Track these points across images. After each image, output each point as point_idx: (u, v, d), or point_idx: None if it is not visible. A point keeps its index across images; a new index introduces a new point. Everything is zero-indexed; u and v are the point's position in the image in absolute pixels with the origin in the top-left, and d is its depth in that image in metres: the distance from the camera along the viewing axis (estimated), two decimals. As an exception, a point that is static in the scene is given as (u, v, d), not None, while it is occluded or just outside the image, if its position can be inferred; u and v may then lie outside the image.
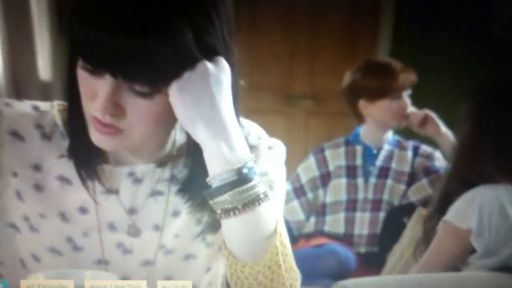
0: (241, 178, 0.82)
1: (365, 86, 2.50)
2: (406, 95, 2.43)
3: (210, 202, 0.84)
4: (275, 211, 0.98)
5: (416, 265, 1.79)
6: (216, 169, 0.82)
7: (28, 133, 0.96)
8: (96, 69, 0.82)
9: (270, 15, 4.38)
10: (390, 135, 2.56)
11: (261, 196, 0.84)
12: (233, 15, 0.93)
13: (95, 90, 0.83)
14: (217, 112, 0.82)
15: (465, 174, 1.74)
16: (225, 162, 0.82)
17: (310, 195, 2.53)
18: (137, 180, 0.98)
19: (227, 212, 0.82)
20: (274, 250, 0.85)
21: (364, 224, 2.49)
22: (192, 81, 0.81)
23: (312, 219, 2.53)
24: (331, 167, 2.55)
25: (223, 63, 0.85)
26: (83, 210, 0.96)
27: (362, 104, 2.52)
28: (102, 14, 0.78)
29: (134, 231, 0.98)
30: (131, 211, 0.98)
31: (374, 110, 2.50)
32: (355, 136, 2.59)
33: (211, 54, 0.86)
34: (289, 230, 2.52)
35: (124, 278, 0.81)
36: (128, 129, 0.86)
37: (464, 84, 2.80)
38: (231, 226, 0.85)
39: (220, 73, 0.84)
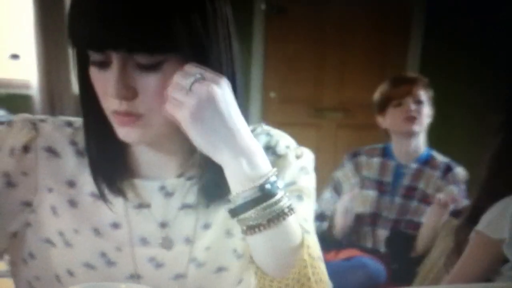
0: (264, 194, 0.81)
1: (375, 101, 2.60)
2: (410, 101, 2.45)
3: (235, 219, 0.83)
4: (306, 221, 0.99)
5: (448, 276, 1.78)
6: (239, 187, 0.82)
7: (63, 149, 0.97)
8: (102, 51, 0.83)
9: (301, 29, 4.40)
10: (421, 149, 2.55)
11: (286, 210, 0.82)
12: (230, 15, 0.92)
13: (107, 81, 0.84)
14: (232, 132, 0.82)
15: (497, 185, 1.74)
16: (247, 180, 0.81)
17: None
18: (168, 194, 0.98)
19: (252, 228, 0.82)
20: (303, 263, 0.84)
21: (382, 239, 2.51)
22: (202, 107, 0.80)
23: (325, 224, 2.54)
24: (364, 175, 2.55)
25: (225, 81, 0.84)
26: (115, 225, 0.97)
27: (379, 120, 2.56)
28: None
29: (168, 244, 0.98)
30: (163, 225, 0.98)
31: (387, 122, 2.53)
32: (391, 146, 2.60)
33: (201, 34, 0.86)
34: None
35: None
36: (147, 113, 0.86)
37: (492, 97, 2.80)
38: (257, 241, 0.84)
39: (225, 93, 0.82)
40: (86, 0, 0.82)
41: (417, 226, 2.42)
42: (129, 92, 0.84)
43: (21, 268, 1.02)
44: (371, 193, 2.54)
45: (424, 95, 2.48)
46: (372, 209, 2.50)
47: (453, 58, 4.09)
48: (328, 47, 4.47)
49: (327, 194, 2.59)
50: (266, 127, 1.08)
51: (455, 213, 2.31)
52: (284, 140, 1.06)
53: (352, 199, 2.44)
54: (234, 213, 0.83)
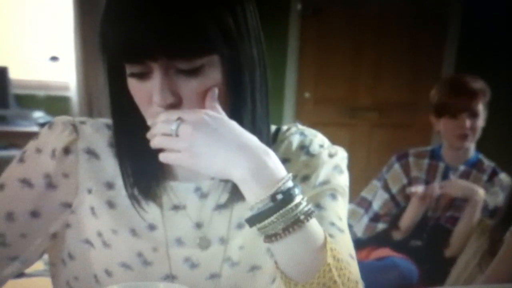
0: (276, 204, 0.79)
1: (432, 101, 2.53)
2: (466, 117, 2.40)
3: (254, 228, 0.83)
4: (340, 219, 0.99)
5: (482, 276, 1.77)
6: (252, 199, 0.81)
7: (102, 151, 0.98)
8: (141, 63, 0.83)
9: (336, 29, 4.39)
10: (471, 154, 2.54)
11: (302, 217, 0.80)
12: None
13: (149, 90, 0.85)
14: (233, 153, 0.81)
15: None
16: (258, 191, 0.80)
17: (403, 204, 2.55)
18: (203, 195, 0.99)
19: (269, 237, 0.81)
20: (327, 267, 0.82)
21: None
22: (196, 145, 0.81)
23: (381, 225, 2.54)
24: (413, 175, 2.55)
25: (204, 113, 0.83)
26: (152, 227, 0.98)
27: (432, 119, 2.53)
28: (127, 5, 0.82)
29: (205, 244, 0.98)
30: (198, 226, 0.99)
31: (440, 127, 2.50)
32: (439, 149, 2.59)
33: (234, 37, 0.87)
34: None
35: None
36: None
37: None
38: (277, 249, 0.83)
39: (211, 123, 0.82)
40: (118, 12, 0.83)
41: (456, 221, 2.41)
42: (173, 98, 0.85)
43: (60, 268, 1.04)
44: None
45: (481, 106, 2.42)
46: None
47: (489, 59, 4.04)
48: (362, 47, 4.46)
49: (384, 195, 2.58)
50: (301, 127, 1.08)
51: (490, 213, 2.30)
52: (318, 139, 1.06)
53: (424, 202, 2.44)
54: (251, 222, 0.82)
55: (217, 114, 0.85)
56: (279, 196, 0.80)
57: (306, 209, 0.81)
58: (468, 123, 2.39)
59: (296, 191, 0.82)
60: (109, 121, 1.01)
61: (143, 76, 0.85)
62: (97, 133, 0.99)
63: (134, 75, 0.86)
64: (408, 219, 2.45)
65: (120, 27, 0.82)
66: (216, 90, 0.87)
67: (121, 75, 0.89)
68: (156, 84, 0.84)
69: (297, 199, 0.81)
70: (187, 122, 0.82)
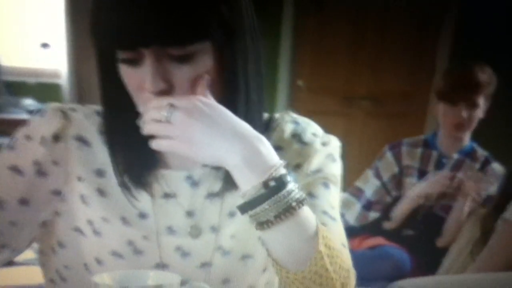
0: (268, 191, 0.79)
1: (437, 84, 2.54)
2: (464, 107, 2.39)
3: (245, 215, 0.83)
4: (332, 208, 0.99)
5: (474, 264, 1.78)
6: (244, 186, 0.81)
7: (93, 138, 0.97)
8: (133, 48, 0.83)
9: (332, 17, 4.37)
10: (465, 143, 2.54)
11: (293, 204, 0.80)
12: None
13: (141, 76, 0.84)
14: (226, 140, 0.81)
15: None
16: (250, 178, 0.80)
17: (394, 193, 2.55)
18: (195, 184, 0.98)
19: (261, 224, 0.81)
20: (318, 255, 0.82)
21: None
22: (189, 132, 0.81)
23: (374, 214, 2.55)
24: (405, 164, 2.55)
25: (195, 99, 0.84)
26: (143, 215, 0.97)
27: (435, 103, 2.54)
28: None
29: (196, 232, 0.98)
30: (189, 214, 0.98)
31: (437, 111, 2.50)
32: (433, 137, 2.59)
33: (230, 23, 0.87)
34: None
35: (183, 280, 0.81)
36: None
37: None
38: (268, 237, 0.83)
39: (203, 109, 0.82)
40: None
41: (450, 208, 2.42)
42: (165, 84, 0.84)
43: (50, 257, 1.02)
44: (413, 181, 2.53)
45: (483, 97, 2.41)
46: None
47: (484, 49, 4.04)
48: (359, 36, 4.44)
49: (376, 182, 2.58)
50: (294, 115, 1.08)
51: (483, 202, 2.31)
52: (310, 128, 1.06)
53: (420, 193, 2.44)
54: (243, 210, 0.82)
55: (210, 101, 0.85)
56: (272, 183, 0.80)
57: (298, 196, 0.81)
58: (465, 113, 2.39)
59: (289, 178, 0.82)
60: (99, 108, 0.99)
61: (134, 62, 0.85)
62: (88, 120, 0.99)
63: (126, 61, 0.85)
64: (400, 211, 2.46)
65: (112, 13, 0.81)
66: (208, 78, 0.86)
67: (112, 62, 0.87)
68: (148, 71, 0.83)
69: (290, 186, 0.81)
70: (180, 109, 0.81)
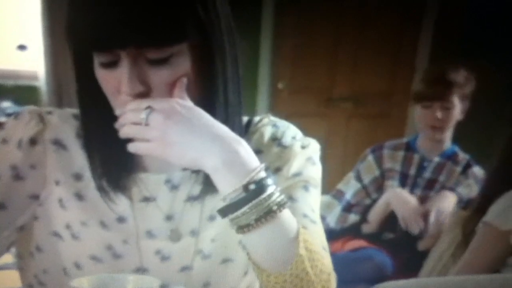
0: (249, 195, 0.79)
1: (414, 88, 2.54)
2: (439, 107, 2.39)
3: (225, 219, 0.82)
4: (313, 211, 0.98)
5: (455, 267, 1.78)
6: (224, 189, 0.80)
7: (70, 142, 0.97)
8: (109, 50, 0.82)
9: (311, 18, 4.38)
10: (446, 145, 2.54)
11: (274, 208, 0.80)
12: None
13: (118, 79, 0.83)
14: (206, 143, 0.80)
15: (506, 175, 1.73)
16: (230, 181, 0.80)
17: (374, 196, 2.55)
18: (174, 187, 0.98)
19: (242, 228, 0.80)
20: (299, 258, 0.82)
21: None
22: (167, 134, 0.80)
23: (353, 217, 2.55)
24: (386, 167, 2.55)
25: (173, 101, 0.82)
26: (121, 219, 0.97)
27: (413, 107, 2.54)
28: None
29: (176, 236, 0.98)
30: (169, 218, 0.98)
31: (415, 114, 2.51)
32: (415, 140, 2.59)
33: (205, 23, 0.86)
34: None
35: (163, 284, 0.81)
36: None
37: (505, 88, 2.77)
38: (249, 240, 0.83)
39: (181, 111, 0.81)
40: (85, 1, 0.82)
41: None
42: (142, 87, 0.83)
43: (28, 261, 1.02)
44: (394, 184, 2.53)
45: (457, 97, 2.41)
46: None
47: (464, 50, 4.07)
48: (339, 37, 4.45)
49: (356, 184, 2.58)
50: (273, 118, 1.07)
51: (464, 205, 2.32)
52: (290, 131, 1.05)
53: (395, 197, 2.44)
54: (223, 213, 0.81)
55: (188, 103, 0.84)
56: (252, 186, 0.79)
57: (279, 199, 0.81)
58: (439, 114, 2.39)
59: (269, 181, 0.81)
60: (77, 111, 0.99)
61: (111, 64, 0.83)
62: (65, 123, 0.98)
63: (102, 64, 0.84)
64: (376, 213, 2.46)
65: (87, 14, 0.80)
66: (185, 80, 0.85)
67: (88, 64, 0.86)
68: (125, 73, 0.82)
69: (270, 189, 0.81)
70: (158, 111, 0.80)
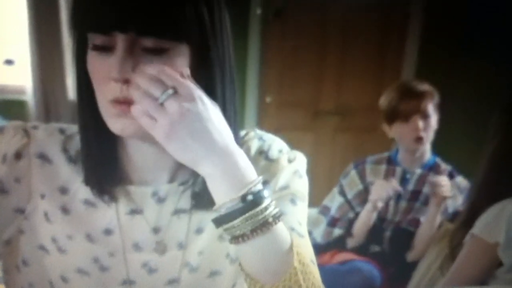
0: (246, 205, 0.79)
1: (382, 109, 2.55)
2: (418, 118, 2.41)
3: (218, 232, 0.83)
4: (300, 225, 0.98)
5: (443, 279, 1.78)
6: (221, 198, 0.80)
7: (55, 156, 0.97)
8: (109, 33, 0.81)
9: (298, 33, 4.39)
10: (427, 157, 2.55)
11: (270, 220, 0.80)
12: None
13: (109, 66, 0.82)
14: (211, 147, 0.79)
15: (493, 187, 1.74)
16: (228, 190, 0.79)
17: (358, 209, 2.55)
18: (161, 200, 0.98)
19: (236, 238, 0.80)
20: (293, 270, 0.82)
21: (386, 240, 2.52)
22: (177, 127, 0.77)
23: (338, 231, 2.55)
24: (369, 181, 2.56)
25: (199, 96, 0.80)
26: (108, 232, 0.97)
27: (385, 128, 2.55)
28: None
29: (162, 248, 0.98)
30: (156, 230, 0.98)
31: (393, 134, 2.53)
32: (396, 154, 2.60)
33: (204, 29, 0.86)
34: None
35: None
36: None
37: (489, 100, 2.80)
38: (243, 251, 0.83)
39: (200, 109, 0.79)
40: None
41: (419, 223, 2.43)
42: (133, 76, 0.82)
43: (14, 275, 1.01)
44: None
45: (431, 107, 2.44)
46: (378, 214, 2.50)
47: (449, 61, 4.10)
48: (325, 51, 4.47)
49: (340, 199, 2.59)
50: (259, 132, 1.08)
51: (451, 217, 2.32)
52: (276, 145, 1.06)
53: (375, 212, 2.44)
54: (218, 223, 0.81)
55: (210, 104, 0.81)
56: (250, 197, 0.79)
57: (275, 212, 0.81)
58: (421, 124, 2.41)
59: (265, 194, 0.81)
60: (63, 126, 1.00)
61: (105, 50, 0.83)
62: (50, 137, 0.98)
63: (97, 48, 0.84)
64: (359, 225, 2.46)
65: None
66: (188, 70, 0.84)
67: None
68: (117, 57, 0.81)
69: (266, 201, 0.80)
70: (180, 98, 0.77)
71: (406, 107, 2.43)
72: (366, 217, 2.43)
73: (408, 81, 2.54)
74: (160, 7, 0.79)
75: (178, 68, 0.83)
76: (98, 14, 0.80)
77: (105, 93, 0.85)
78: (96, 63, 0.85)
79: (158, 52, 0.83)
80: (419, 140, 2.44)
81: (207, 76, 0.88)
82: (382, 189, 2.41)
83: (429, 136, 2.46)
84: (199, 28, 0.84)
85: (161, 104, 0.77)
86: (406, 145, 2.49)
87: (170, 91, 0.77)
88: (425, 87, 2.45)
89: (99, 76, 0.85)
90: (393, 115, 2.48)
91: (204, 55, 0.86)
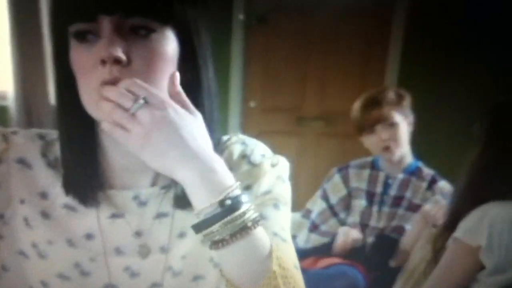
0: (225, 210, 0.79)
1: (352, 122, 2.56)
2: (382, 128, 2.42)
3: (200, 236, 0.82)
4: (283, 229, 0.98)
5: (427, 283, 1.78)
6: (200, 204, 0.80)
7: (34, 161, 0.96)
8: (95, 18, 0.81)
9: (281, 39, 4.41)
10: (408, 162, 2.55)
11: (249, 224, 0.80)
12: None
13: (95, 54, 0.81)
14: (186, 154, 0.78)
15: (476, 192, 1.75)
16: (207, 196, 0.79)
17: (342, 215, 2.55)
18: (142, 203, 0.97)
19: (216, 243, 0.80)
20: (272, 274, 0.82)
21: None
22: (150, 135, 0.77)
23: (315, 237, 2.55)
24: (353, 186, 2.56)
25: (170, 104, 0.79)
26: (89, 236, 0.96)
27: (359, 137, 2.56)
28: None
29: (145, 251, 0.98)
30: (138, 234, 0.98)
31: (365, 144, 2.53)
32: (379, 158, 2.60)
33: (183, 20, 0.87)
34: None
35: None
36: None
37: (472, 104, 2.82)
38: (223, 256, 0.83)
39: (172, 117, 0.78)
40: None
41: (403, 230, 2.43)
42: (123, 56, 0.81)
43: None
44: (361, 203, 2.54)
45: (397, 114, 2.43)
46: (362, 219, 2.50)
47: (432, 66, 4.13)
48: (308, 56, 4.48)
49: (322, 204, 2.59)
50: (242, 136, 1.07)
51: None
52: (259, 149, 1.06)
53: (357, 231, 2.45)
54: (198, 228, 0.81)
55: (182, 110, 0.81)
56: (228, 202, 0.79)
57: (253, 216, 0.81)
58: (385, 134, 2.41)
59: (244, 198, 0.81)
60: (42, 131, 0.99)
61: (91, 39, 0.83)
62: (29, 143, 0.97)
63: (82, 37, 0.83)
64: (339, 249, 2.46)
65: None
66: (178, 74, 0.84)
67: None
68: (106, 37, 0.81)
69: (245, 206, 0.81)
70: (151, 108, 0.77)
71: (368, 118, 2.44)
72: (341, 246, 2.44)
73: (371, 91, 2.53)
74: None
75: (163, 53, 0.84)
76: (82, 1, 0.80)
77: (92, 80, 0.83)
78: (82, 54, 0.84)
79: (145, 36, 0.83)
80: (386, 149, 2.44)
81: (192, 67, 0.89)
82: (346, 240, 2.41)
83: (399, 143, 2.45)
84: (182, 9, 0.85)
85: (133, 115, 0.77)
86: (377, 154, 2.50)
87: (141, 101, 0.77)
88: (387, 95, 2.44)
89: (85, 65, 0.84)
90: (359, 127, 2.49)
91: (188, 43, 0.87)
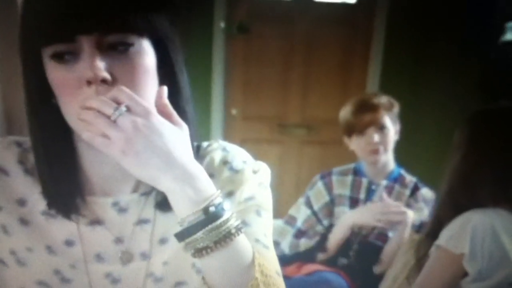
0: (208, 217, 0.78)
1: (340, 123, 2.58)
2: (373, 131, 2.44)
3: (182, 243, 0.81)
4: (265, 236, 0.98)
5: (409, 290, 1.78)
6: (183, 212, 0.79)
7: (11, 168, 0.96)
8: (73, 38, 0.80)
9: (265, 47, 4.42)
10: (391, 168, 2.56)
11: (233, 231, 0.80)
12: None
13: (78, 73, 0.81)
14: (168, 162, 0.78)
15: (457, 199, 1.75)
16: (190, 204, 0.79)
17: (325, 222, 2.54)
18: (122, 210, 0.97)
19: (199, 251, 0.80)
20: (254, 282, 0.82)
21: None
22: (131, 143, 0.76)
23: (305, 243, 2.54)
24: (336, 193, 2.56)
25: (151, 112, 0.79)
26: (69, 243, 0.96)
27: (345, 141, 2.57)
28: None
29: (127, 258, 0.98)
30: (118, 241, 0.98)
31: (353, 147, 2.54)
32: (362, 165, 2.61)
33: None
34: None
35: None
36: None
37: (453, 111, 2.84)
38: (206, 264, 0.82)
39: (154, 125, 0.78)
40: None
41: (386, 237, 2.44)
42: (108, 76, 0.81)
43: None
44: (345, 210, 2.54)
45: (388, 119, 2.46)
46: None
47: (413, 73, 4.16)
48: (290, 64, 4.49)
49: (306, 211, 2.58)
50: (222, 143, 1.07)
51: (417, 228, 2.34)
52: (240, 155, 1.05)
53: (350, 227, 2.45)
54: (181, 237, 0.80)
55: (164, 120, 0.80)
56: (212, 209, 0.79)
57: (236, 223, 0.81)
58: (376, 137, 2.43)
59: (226, 206, 0.81)
60: (20, 139, 0.98)
61: (68, 59, 0.82)
62: (6, 150, 0.96)
63: (59, 58, 0.82)
64: (334, 241, 2.45)
65: (47, 2, 0.80)
66: (166, 89, 0.84)
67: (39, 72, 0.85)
68: (88, 60, 0.80)
69: (227, 213, 0.81)
70: (133, 115, 0.76)
71: (360, 120, 2.46)
72: (345, 232, 2.43)
73: (364, 94, 2.56)
74: (118, 4, 0.79)
75: (144, 66, 0.85)
76: (58, 23, 0.79)
77: (77, 98, 0.82)
78: (63, 74, 0.83)
79: (124, 51, 0.83)
80: (374, 152, 2.46)
81: (170, 75, 0.89)
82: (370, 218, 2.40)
83: (386, 148, 2.48)
84: (156, 18, 0.85)
85: (114, 122, 0.76)
86: (364, 157, 2.52)
87: (123, 108, 0.76)
88: (381, 100, 2.47)
89: (68, 85, 0.83)
90: (350, 129, 2.50)
91: (165, 51, 0.88)
